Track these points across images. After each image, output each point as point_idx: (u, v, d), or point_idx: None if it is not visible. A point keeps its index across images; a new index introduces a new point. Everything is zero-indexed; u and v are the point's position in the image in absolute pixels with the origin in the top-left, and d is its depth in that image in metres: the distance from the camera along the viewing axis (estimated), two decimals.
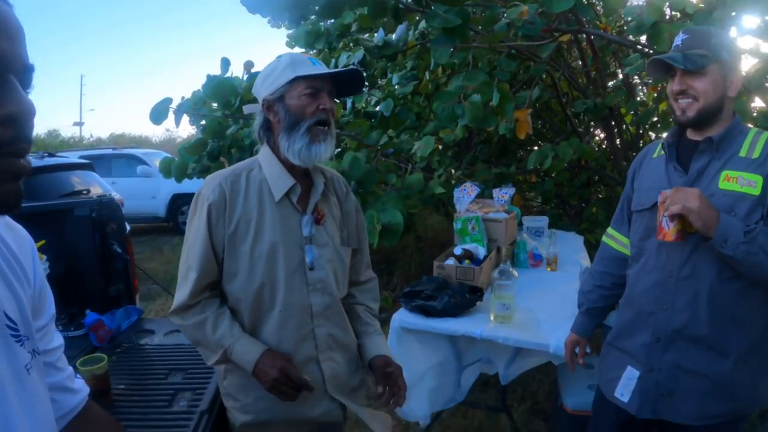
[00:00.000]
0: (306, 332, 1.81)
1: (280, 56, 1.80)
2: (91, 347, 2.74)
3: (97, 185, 7.72)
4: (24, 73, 0.80)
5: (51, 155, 7.85)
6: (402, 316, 3.04)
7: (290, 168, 1.80)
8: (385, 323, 5.32)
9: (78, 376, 1.31)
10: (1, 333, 0.96)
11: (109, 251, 3.09)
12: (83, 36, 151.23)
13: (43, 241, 2.87)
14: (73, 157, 8.65)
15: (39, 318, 1.17)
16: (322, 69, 1.74)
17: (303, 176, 1.84)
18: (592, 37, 5.26)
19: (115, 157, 12.09)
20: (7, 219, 1.09)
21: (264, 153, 1.84)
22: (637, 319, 2.06)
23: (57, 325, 2.90)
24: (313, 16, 4.55)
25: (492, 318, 2.92)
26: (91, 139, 36.69)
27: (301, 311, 1.79)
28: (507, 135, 4.21)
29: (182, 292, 1.77)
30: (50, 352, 1.21)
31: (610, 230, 2.34)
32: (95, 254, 3.08)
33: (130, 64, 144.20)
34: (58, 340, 1.26)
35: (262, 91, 1.79)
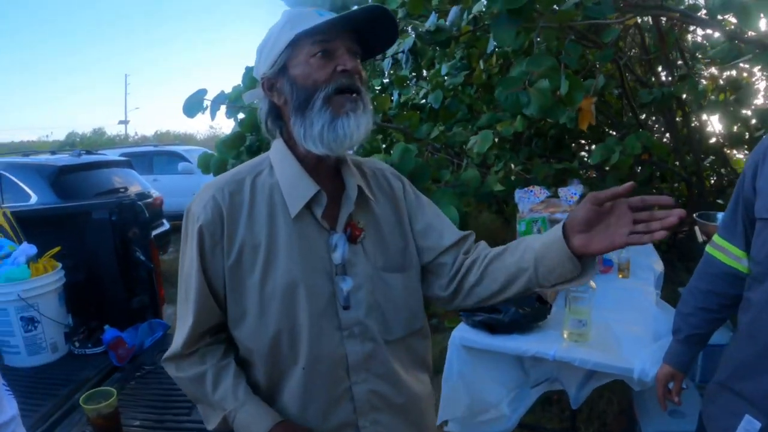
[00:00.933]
0: (341, 391, 1.34)
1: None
2: (110, 367, 2.54)
3: (136, 183, 7.64)
4: None
5: (89, 153, 7.77)
6: (463, 333, 2.68)
7: (313, 167, 1.32)
8: (436, 330, 5.06)
9: None
10: None
11: (131, 258, 2.81)
12: (127, 34, 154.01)
13: (58, 248, 2.65)
14: (112, 155, 8.56)
15: None
16: (332, 17, 1.24)
17: (331, 177, 1.36)
18: (661, 19, 4.87)
19: (157, 154, 12.08)
20: None
21: (276, 149, 1.36)
22: (763, 356, 1.64)
23: (73, 340, 2.71)
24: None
25: (565, 335, 2.56)
26: (136, 137, 37.59)
27: (332, 365, 1.32)
28: (568, 126, 3.86)
29: (177, 338, 1.37)
30: None
31: (717, 239, 1.91)
32: (116, 262, 2.81)
33: (175, 61, 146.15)
34: (8, 410, 0.93)
35: (261, 67, 1.32)
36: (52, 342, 2.64)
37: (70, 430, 2.00)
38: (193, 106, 3.73)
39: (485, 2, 3.60)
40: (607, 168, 5.44)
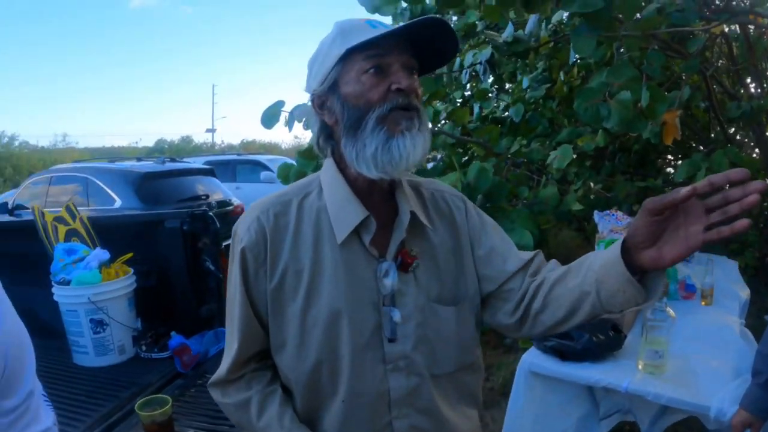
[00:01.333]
0: (381, 426, 1.25)
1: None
2: (173, 373, 2.57)
3: (218, 191, 7.76)
4: None
5: (173, 160, 7.97)
6: (533, 358, 2.57)
7: (363, 190, 1.22)
8: (509, 351, 4.90)
9: None
10: None
11: (201, 267, 2.85)
12: (214, 43, 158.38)
13: (130, 254, 2.71)
14: (196, 163, 8.77)
15: (8, 396, 0.83)
16: (385, 30, 1.13)
17: (384, 200, 1.26)
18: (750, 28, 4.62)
19: (240, 162, 12.38)
20: None
21: (327, 170, 1.27)
22: None
23: (140, 344, 2.75)
24: (436, 14, 4.20)
25: (640, 367, 2.41)
26: (222, 145, 38.85)
27: (373, 399, 1.23)
28: (652, 141, 3.68)
29: (223, 364, 1.29)
30: None
31: None
32: (186, 270, 2.87)
33: (262, 71, 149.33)
34: (44, 421, 0.91)
35: (311, 83, 1.22)
36: (119, 344, 2.71)
37: None
38: (270, 117, 3.75)
39: (565, 13, 3.50)
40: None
